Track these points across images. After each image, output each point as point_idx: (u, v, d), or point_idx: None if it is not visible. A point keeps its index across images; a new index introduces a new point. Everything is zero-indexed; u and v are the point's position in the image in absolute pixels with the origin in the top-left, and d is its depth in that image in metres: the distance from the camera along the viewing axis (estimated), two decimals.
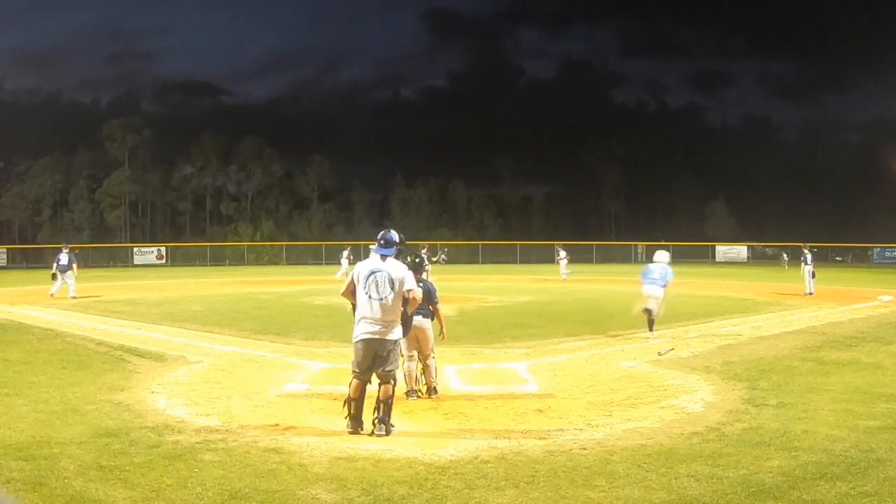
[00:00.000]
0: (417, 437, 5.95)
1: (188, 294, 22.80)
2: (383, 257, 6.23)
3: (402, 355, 7.20)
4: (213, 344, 11.45)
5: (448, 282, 23.66)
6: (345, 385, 6.29)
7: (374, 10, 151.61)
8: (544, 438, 5.87)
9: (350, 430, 6.00)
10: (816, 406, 6.84)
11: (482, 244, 58.99)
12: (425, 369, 7.62)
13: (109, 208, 70.67)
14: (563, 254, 32.18)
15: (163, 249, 54.99)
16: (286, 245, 60.33)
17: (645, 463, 5.12)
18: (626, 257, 58.18)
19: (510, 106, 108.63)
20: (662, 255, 12.67)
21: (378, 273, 6.13)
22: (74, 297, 19.73)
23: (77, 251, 22.53)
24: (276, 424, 6.24)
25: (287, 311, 17.26)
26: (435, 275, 21.49)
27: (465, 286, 24.84)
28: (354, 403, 6.08)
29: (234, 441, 5.69)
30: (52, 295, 19.80)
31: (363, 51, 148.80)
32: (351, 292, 6.25)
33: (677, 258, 53.95)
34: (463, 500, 4.43)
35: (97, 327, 13.45)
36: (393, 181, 78.68)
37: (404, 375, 7.48)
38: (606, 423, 6.38)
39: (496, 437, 5.88)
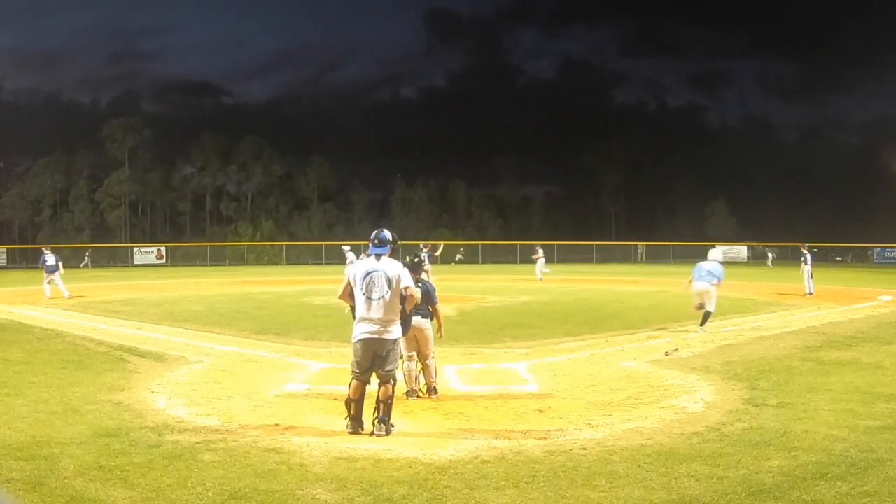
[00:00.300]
0: (417, 437, 5.95)
1: (188, 294, 22.80)
2: (378, 257, 6.23)
3: (402, 356, 7.20)
4: (213, 344, 11.45)
5: (448, 282, 23.67)
6: (345, 385, 6.28)
7: (374, 10, 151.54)
8: (544, 438, 5.87)
9: (350, 430, 6.00)
10: (816, 406, 6.84)
11: (482, 244, 59.02)
12: (425, 369, 7.62)
13: (109, 208, 70.68)
14: (540, 252, 31.15)
15: (163, 249, 55.04)
16: (286, 245, 60.36)
17: (645, 463, 5.12)
18: (626, 257, 58.24)
19: (510, 106, 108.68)
20: (715, 254, 13.11)
21: (374, 273, 6.13)
22: (69, 297, 19.79)
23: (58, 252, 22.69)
24: (276, 424, 6.24)
25: (287, 311, 17.26)
26: (435, 275, 21.49)
27: (465, 286, 24.85)
28: (354, 404, 6.07)
29: (234, 441, 5.69)
30: (49, 297, 19.86)
31: (363, 51, 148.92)
32: (348, 294, 6.25)
33: (677, 258, 54.34)
34: (463, 500, 4.43)
35: (97, 327, 13.46)
36: (393, 181, 78.87)
37: (404, 376, 7.48)
38: (606, 423, 6.38)
39: (496, 437, 5.88)
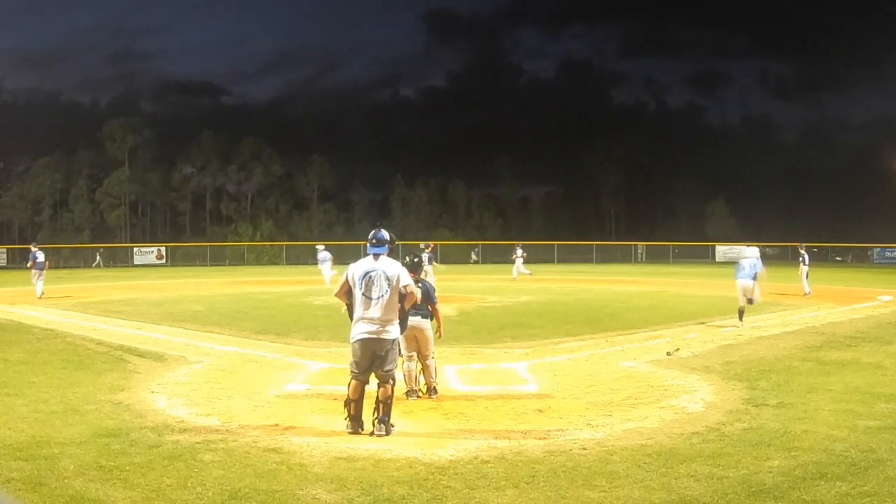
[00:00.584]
0: (417, 437, 5.95)
1: (188, 294, 22.80)
2: (376, 256, 6.25)
3: (402, 356, 7.20)
4: (213, 344, 11.45)
5: (448, 282, 23.65)
6: (345, 385, 6.28)
7: (374, 10, 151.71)
8: (544, 438, 5.87)
9: (350, 430, 6.00)
10: (816, 406, 6.84)
11: (482, 244, 58.98)
12: (425, 369, 7.62)
13: (109, 208, 70.68)
14: (519, 251, 31.21)
15: (163, 249, 54.98)
16: (286, 245, 60.30)
17: (645, 463, 5.12)
18: (626, 257, 58.17)
19: (510, 106, 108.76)
20: (752, 251, 13.78)
21: (373, 272, 6.14)
22: (41, 297, 19.83)
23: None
24: (276, 424, 6.24)
25: (287, 311, 17.26)
26: (437, 275, 21.48)
27: (465, 286, 24.84)
28: (354, 404, 6.07)
29: (234, 441, 5.69)
30: (41, 296, 19.86)
31: (363, 51, 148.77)
32: (345, 293, 6.25)
33: (677, 258, 54.29)
34: (463, 500, 4.43)
35: (97, 327, 13.46)
36: (393, 181, 78.74)
37: (404, 376, 7.48)
38: (606, 423, 6.38)
39: (496, 437, 5.88)
